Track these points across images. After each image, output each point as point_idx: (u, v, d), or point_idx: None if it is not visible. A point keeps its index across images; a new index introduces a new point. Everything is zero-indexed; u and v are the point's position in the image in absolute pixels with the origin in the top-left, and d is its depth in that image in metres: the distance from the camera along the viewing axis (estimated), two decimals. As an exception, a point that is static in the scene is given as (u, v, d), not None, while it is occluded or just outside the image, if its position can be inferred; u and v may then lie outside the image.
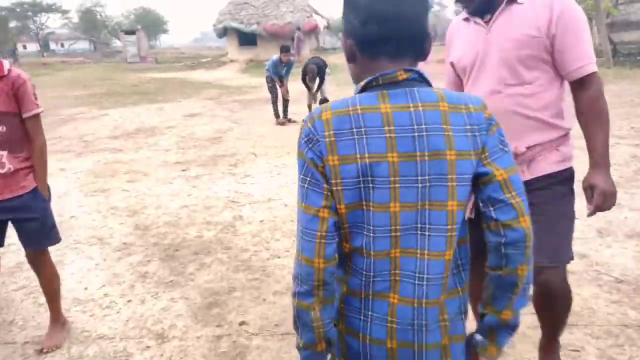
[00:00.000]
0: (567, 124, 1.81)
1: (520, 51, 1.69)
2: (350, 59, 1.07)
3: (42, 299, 3.05)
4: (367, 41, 1.02)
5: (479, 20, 1.79)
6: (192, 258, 3.55)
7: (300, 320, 1.05)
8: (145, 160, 6.66)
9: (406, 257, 1.01)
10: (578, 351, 2.33)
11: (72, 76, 22.31)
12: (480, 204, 1.03)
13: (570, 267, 3.14)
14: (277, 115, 9.38)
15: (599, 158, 1.72)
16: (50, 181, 2.51)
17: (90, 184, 5.63)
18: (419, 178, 0.98)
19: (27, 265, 3.51)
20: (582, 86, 1.72)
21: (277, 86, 9.26)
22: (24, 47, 64.34)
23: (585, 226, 3.82)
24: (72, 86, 17.55)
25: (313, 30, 27.27)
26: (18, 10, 48.90)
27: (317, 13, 27.58)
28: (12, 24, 50.40)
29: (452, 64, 1.96)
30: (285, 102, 9.47)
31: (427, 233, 1.00)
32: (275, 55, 9.24)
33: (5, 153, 2.28)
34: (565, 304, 1.91)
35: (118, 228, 4.21)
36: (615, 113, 8.84)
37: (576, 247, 3.45)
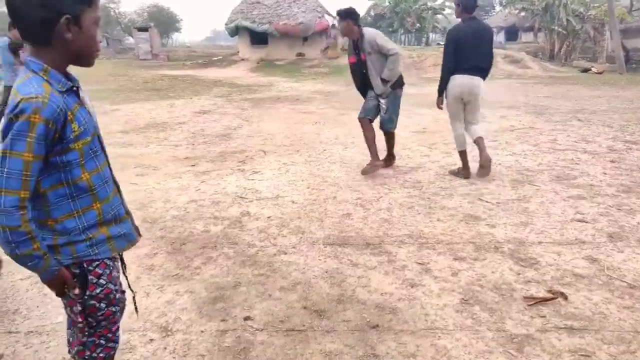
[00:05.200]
0: None
1: None
2: None
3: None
4: None
5: None
6: (199, 252, 3.53)
7: None
8: (154, 155, 6.67)
9: None
10: (589, 356, 2.28)
11: (85, 71, 21.68)
12: None
13: (581, 271, 3.11)
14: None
15: None
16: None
17: (99, 177, 5.61)
18: None
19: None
20: None
21: None
22: (38, 42, 64.77)
23: (596, 230, 3.76)
24: (85, 81, 17.19)
25: (325, 31, 27.24)
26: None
27: (328, 14, 27.53)
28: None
29: None
30: None
31: None
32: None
33: None
34: None
35: (125, 221, 4.19)
36: (627, 118, 8.75)
37: (587, 251, 3.42)
